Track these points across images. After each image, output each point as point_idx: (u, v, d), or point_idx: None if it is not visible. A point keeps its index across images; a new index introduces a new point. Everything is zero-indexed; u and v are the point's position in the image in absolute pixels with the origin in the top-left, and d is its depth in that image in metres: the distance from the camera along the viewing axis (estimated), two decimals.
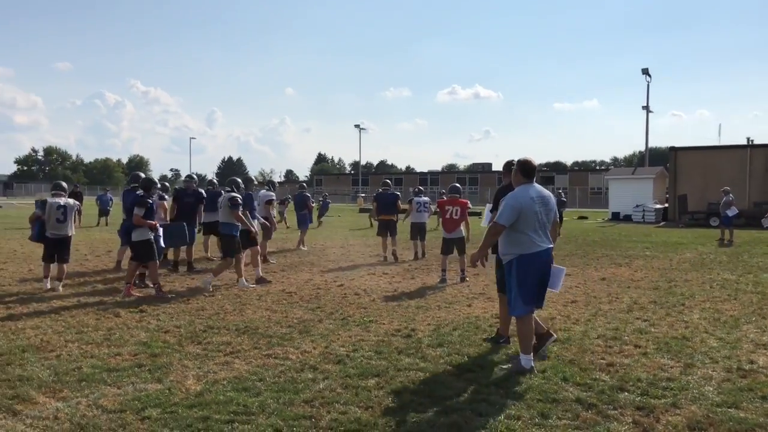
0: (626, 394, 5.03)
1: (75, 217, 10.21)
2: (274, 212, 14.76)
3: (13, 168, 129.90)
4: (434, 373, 5.53)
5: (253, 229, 10.42)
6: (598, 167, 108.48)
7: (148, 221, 9.35)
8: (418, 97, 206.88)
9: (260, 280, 10.65)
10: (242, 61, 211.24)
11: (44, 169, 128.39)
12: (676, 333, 7.08)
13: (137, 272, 10.00)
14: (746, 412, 4.66)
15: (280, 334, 6.95)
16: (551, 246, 5.80)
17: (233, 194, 10.15)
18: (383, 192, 15.23)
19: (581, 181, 72.01)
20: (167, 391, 4.98)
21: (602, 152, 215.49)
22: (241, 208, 10.11)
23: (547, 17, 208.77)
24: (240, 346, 6.42)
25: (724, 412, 4.64)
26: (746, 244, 19.18)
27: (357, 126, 77.92)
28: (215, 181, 15.39)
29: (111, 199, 28.14)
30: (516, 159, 6.17)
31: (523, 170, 5.77)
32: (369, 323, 7.54)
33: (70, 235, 10.03)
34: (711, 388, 5.17)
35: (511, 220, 5.54)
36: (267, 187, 14.91)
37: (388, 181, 15.94)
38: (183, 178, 13.14)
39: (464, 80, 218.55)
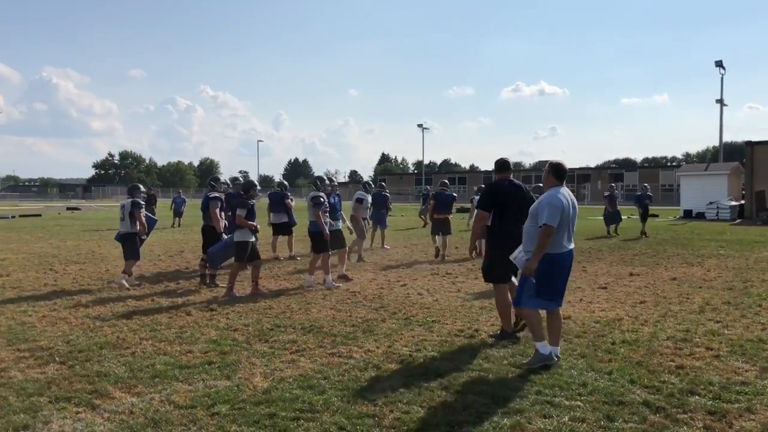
0: (697, 397, 4.90)
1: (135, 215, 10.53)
2: (366, 213, 14.74)
3: (91, 172, 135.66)
4: (498, 374, 5.51)
5: (325, 231, 10.25)
6: (669, 163, 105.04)
7: (250, 222, 9.63)
8: (482, 95, 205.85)
9: (342, 277, 10.90)
10: (306, 64, 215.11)
11: (120, 172, 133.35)
12: (751, 335, 6.83)
13: (208, 273, 10.38)
14: None
15: (344, 333, 7.05)
16: (573, 247, 5.96)
17: (316, 193, 10.31)
18: (441, 191, 15.23)
19: (652, 178, 69.82)
20: (236, 388, 5.13)
21: (673, 148, 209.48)
22: (323, 208, 10.16)
23: (613, 9, 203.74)
24: (305, 344, 6.55)
25: None
26: None
27: (420, 125, 78.01)
28: (284, 182, 15.55)
29: (185, 201, 28.65)
30: (501, 159, 7.06)
31: (556, 172, 5.91)
32: (432, 323, 7.56)
33: (129, 232, 10.60)
34: None
35: (557, 220, 5.63)
36: (362, 187, 14.84)
37: (446, 181, 15.95)
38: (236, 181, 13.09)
39: (528, 77, 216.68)
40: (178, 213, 27.63)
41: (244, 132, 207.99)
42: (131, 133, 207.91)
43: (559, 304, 5.97)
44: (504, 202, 6.80)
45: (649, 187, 22.41)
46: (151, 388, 5.16)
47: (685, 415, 4.54)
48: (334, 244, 10.63)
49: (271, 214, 14.65)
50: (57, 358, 6.02)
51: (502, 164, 7.08)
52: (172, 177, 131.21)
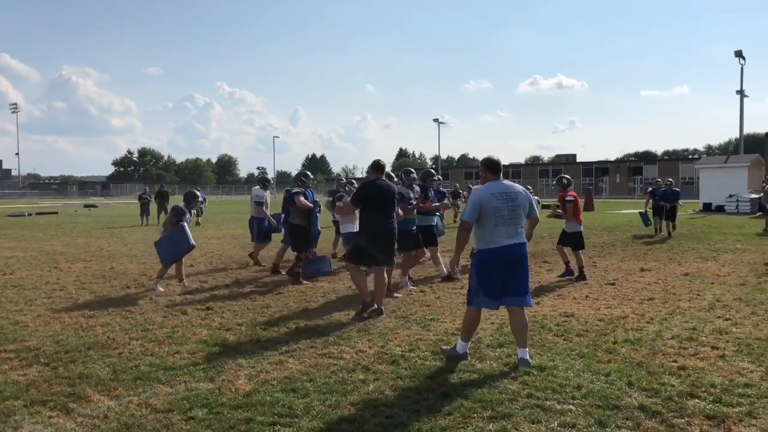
0: (696, 400, 4.66)
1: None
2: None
3: (111, 169, 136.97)
4: (490, 375, 5.30)
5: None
6: (691, 156, 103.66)
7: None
8: (499, 88, 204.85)
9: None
10: (322, 59, 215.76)
11: (139, 169, 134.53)
12: (760, 333, 6.56)
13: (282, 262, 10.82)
14: None
15: (338, 332, 6.88)
16: (517, 242, 5.67)
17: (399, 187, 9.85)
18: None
19: (672, 170, 68.82)
20: (217, 391, 4.98)
21: (695, 140, 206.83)
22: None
23: (630, 1, 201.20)
24: (296, 345, 6.38)
25: None
26: None
27: (436, 120, 77.61)
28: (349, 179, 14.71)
29: (204, 199, 27.70)
30: (376, 160, 8.09)
31: (489, 167, 5.88)
32: (430, 321, 7.37)
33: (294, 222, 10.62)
34: None
35: (474, 216, 5.65)
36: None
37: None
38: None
39: (546, 70, 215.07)
40: (198, 211, 26.60)
41: (261, 128, 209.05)
42: (150, 131, 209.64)
43: (513, 302, 5.69)
44: (374, 200, 7.79)
45: (673, 182, 19.67)
46: (131, 391, 5.02)
47: (682, 420, 4.31)
48: (427, 241, 10.41)
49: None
50: (42, 360, 5.91)
51: (375, 165, 8.07)
52: (191, 174, 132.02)
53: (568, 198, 10.91)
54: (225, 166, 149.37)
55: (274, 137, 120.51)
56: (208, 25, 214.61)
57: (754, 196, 31.33)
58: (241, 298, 9.05)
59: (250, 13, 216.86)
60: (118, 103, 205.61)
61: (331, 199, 12.85)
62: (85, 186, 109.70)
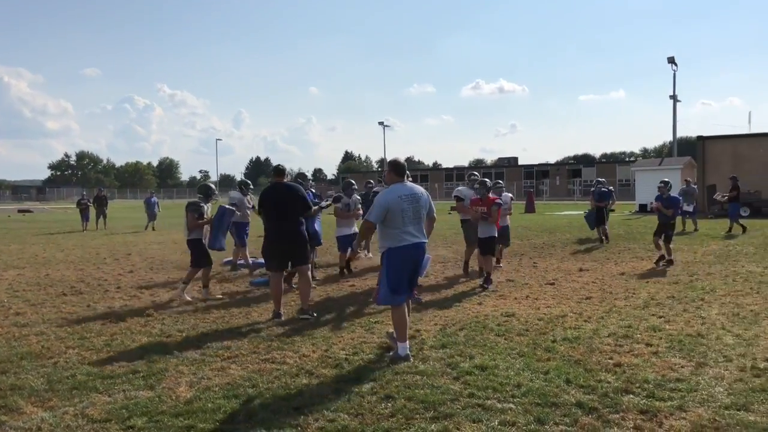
0: (631, 396, 4.81)
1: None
2: None
3: (47, 173, 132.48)
4: (432, 376, 5.35)
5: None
6: (627, 159, 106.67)
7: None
8: (443, 92, 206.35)
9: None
10: (266, 61, 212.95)
11: (77, 173, 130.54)
12: (691, 330, 6.81)
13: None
14: (757, 414, 4.42)
15: (281, 337, 6.84)
16: (422, 240, 6.08)
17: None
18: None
19: (609, 173, 70.79)
20: (157, 399, 4.88)
21: (631, 143, 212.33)
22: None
23: (569, 8, 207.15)
24: (239, 350, 6.32)
25: (733, 414, 4.41)
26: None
27: (381, 123, 77.82)
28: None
29: (157, 203, 26.57)
30: (277, 165, 8.25)
31: (395, 169, 6.20)
32: (374, 324, 7.40)
33: (188, 238, 9.44)
34: (722, 389, 4.92)
35: (380, 218, 5.92)
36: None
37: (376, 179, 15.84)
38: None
39: (488, 75, 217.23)
40: (151, 215, 25.64)
41: (203, 130, 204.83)
42: (88, 133, 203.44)
43: (404, 299, 6.07)
44: (273, 203, 7.93)
45: (605, 182, 18.24)
46: (67, 401, 4.88)
47: (617, 416, 4.45)
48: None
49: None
50: None
51: (276, 170, 8.24)
52: (131, 177, 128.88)
53: (498, 201, 10.35)
54: (166, 169, 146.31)
55: (217, 140, 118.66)
56: (147, 25, 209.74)
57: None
58: (182, 304, 8.89)
59: (191, 13, 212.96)
60: (53, 104, 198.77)
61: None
62: (19, 190, 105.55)
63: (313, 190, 11.92)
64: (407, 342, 6.00)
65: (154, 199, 26.60)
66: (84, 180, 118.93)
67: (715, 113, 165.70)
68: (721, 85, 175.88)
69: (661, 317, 7.51)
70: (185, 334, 7.02)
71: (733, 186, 20.47)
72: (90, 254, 15.87)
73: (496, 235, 10.41)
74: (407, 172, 6.44)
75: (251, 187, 12.02)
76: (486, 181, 10.57)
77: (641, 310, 7.92)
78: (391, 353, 6.01)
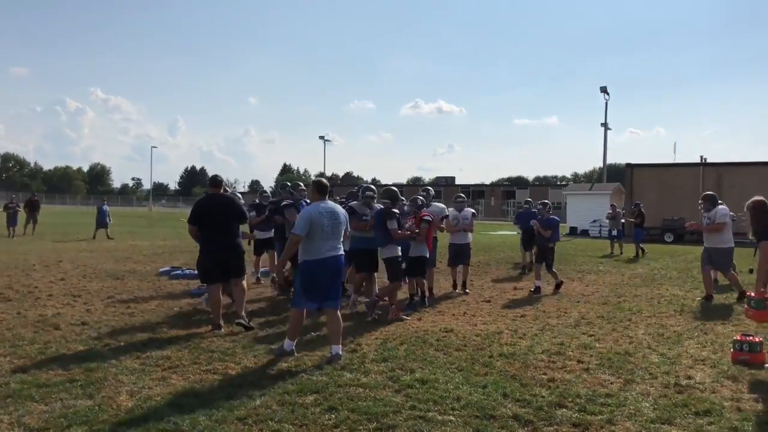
0: (564, 410, 5.03)
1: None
2: None
3: None
4: (374, 389, 5.46)
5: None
6: (559, 182, 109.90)
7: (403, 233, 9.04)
8: (382, 110, 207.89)
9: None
10: (205, 69, 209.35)
11: (1, 176, 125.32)
12: (619, 348, 7.15)
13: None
14: (679, 428, 4.70)
15: (223, 348, 6.82)
16: (339, 254, 6.63)
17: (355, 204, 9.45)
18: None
19: (542, 196, 72.27)
20: (96, 408, 4.82)
21: (563, 168, 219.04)
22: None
23: (508, 35, 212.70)
24: (180, 360, 6.28)
25: (658, 428, 4.68)
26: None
27: (322, 137, 77.91)
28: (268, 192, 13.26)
29: (108, 212, 25.24)
30: (213, 175, 8.18)
31: (318, 188, 6.77)
32: (316, 337, 7.45)
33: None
34: (648, 404, 5.20)
35: (305, 230, 6.37)
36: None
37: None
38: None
39: (427, 95, 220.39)
40: (102, 224, 24.35)
41: (137, 137, 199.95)
42: (14, 135, 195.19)
43: (331, 306, 6.58)
44: (207, 216, 7.81)
45: (532, 202, 17.31)
46: (1, 411, 4.76)
47: (551, 428, 4.66)
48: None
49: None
50: None
51: (212, 180, 8.16)
52: (59, 182, 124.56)
53: (427, 218, 9.59)
54: (97, 175, 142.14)
55: (152, 147, 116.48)
56: (81, 26, 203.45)
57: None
58: (119, 313, 8.74)
59: (128, 16, 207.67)
60: None
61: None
62: None
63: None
64: (295, 341, 6.60)
65: (106, 207, 25.65)
66: (8, 184, 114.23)
67: (643, 142, 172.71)
68: (647, 116, 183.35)
69: (591, 335, 7.83)
70: (123, 343, 6.92)
71: (638, 213, 21.60)
72: (18, 260, 15.32)
73: (427, 255, 9.79)
74: (338, 190, 6.70)
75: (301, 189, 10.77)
76: (417, 198, 10.03)
77: (572, 329, 8.25)
78: (275, 347, 6.68)
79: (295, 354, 6.47)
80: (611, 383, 5.81)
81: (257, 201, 12.17)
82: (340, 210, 6.75)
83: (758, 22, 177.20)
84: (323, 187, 6.79)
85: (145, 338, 7.21)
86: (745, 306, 7.25)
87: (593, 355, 6.84)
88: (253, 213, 11.47)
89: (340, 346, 6.53)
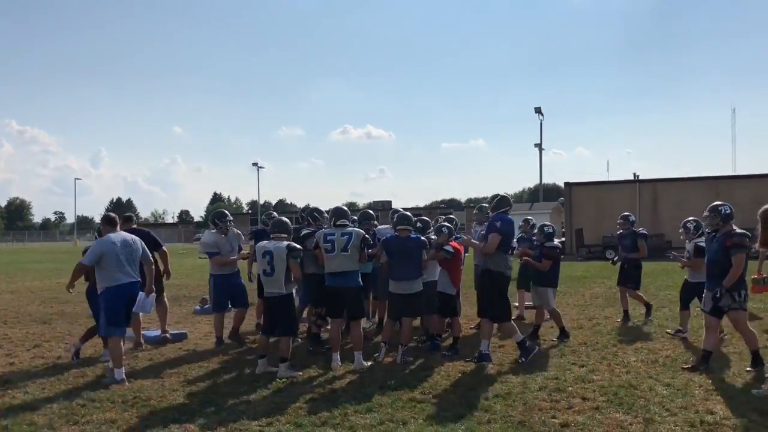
0: None
1: None
2: None
3: None
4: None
5: None
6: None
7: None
8: (312, 136, 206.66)
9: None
10: (126, 99, 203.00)
11: None
12: (620, 380, 6.53)
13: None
14: None
15: (177, 405, 5.85)
16: (135, 280, 7.06)
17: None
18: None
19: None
20: None
21: (493, 189, 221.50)
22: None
23: (432, 60, 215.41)
24: (127, 423, 5.30)
25: None
26: (647, 275, 19.40)
27: (255, 164, 76.50)
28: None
29: None
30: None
31: (107, 221, 7.26)
32: (287, 385, 6.55)
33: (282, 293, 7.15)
34: None
35: (93, 261, 6.84)
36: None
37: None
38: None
39: (356, 120, 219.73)
40: None
41: (57, 169, 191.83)
42: None
43: (123, 332, 7.05)
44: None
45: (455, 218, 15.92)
46: None
47: None
48: None
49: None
50: None
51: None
52: None
53: (448, 248, 8.36)
54: (16, 210, 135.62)
55: (75, 179, 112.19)
56: None
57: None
58: (48, 367, 7.59)
59: (43, 45, 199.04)
60: None
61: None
62: None
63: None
64: (123, 368, 6.79)
65: None
66: None
67: (566, 162, 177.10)
68: (569, 137, 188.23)
69: (582, 366, 7.21)
70: (56, 406, 5.85)
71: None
72: None
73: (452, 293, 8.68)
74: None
75: (229, 218, 9.11)
76: (443, 227, 8.65)
77: (559, 359, 7.61)
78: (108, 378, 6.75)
79: (126, 383, 6.59)
80: (630, 424, 5.16)
81: (259, 227, 10.51)
82: (133, 239, 7.21)
83: (663, 47, 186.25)
84: (111, 219, 7.27)
85: (83, 398, 6.13)
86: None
87: (596, 390, 6.19)
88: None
89: (123, 369, 6.78)
